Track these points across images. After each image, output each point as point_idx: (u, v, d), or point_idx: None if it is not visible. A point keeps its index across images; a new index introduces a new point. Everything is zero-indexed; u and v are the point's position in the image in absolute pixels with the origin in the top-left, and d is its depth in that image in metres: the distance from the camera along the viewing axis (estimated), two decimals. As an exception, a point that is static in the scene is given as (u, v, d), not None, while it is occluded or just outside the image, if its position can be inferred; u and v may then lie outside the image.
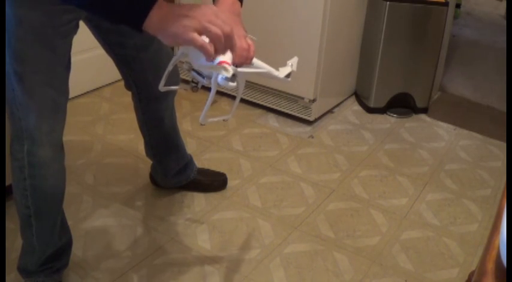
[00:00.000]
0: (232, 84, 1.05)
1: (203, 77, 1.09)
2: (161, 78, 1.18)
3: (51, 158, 1.35)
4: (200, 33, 1.00)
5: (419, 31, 2.55)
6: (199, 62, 1.07)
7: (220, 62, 1.03)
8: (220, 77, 1.03)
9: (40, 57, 1.24)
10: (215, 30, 1.00)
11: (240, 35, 1.13)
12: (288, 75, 1.22)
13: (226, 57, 1.05)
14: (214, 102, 2.60)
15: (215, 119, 1.21)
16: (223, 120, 1.27)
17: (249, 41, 1.13)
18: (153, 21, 0.99)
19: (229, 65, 1.03)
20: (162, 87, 1.16)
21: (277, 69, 1.22)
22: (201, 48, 1.00)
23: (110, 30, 1.45)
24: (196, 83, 1.14)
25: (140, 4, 0.99)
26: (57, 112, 1.32)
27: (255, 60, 1.17)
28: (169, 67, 1.14)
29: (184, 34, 0.98)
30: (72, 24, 1.28)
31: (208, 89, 1.08)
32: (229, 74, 1.03)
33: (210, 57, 1.02)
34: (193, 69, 1.10)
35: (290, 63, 1.25)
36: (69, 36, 1.29)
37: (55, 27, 1.23)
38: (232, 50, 1.06)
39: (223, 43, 1.02)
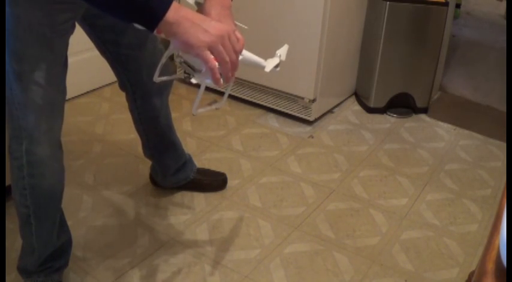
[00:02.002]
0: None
1: (194, 70, 1.12)
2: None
3: (50, 156, 1.35)
4: (210, 50, 1.04)
5: (419, 31, 2.55)
6: (192, 60, 1.10)
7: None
8: (208, 81, 1.09)
9: (38, 56, 1.25)
10: (225, 56, 1.05)
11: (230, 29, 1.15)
12: (276, 66, 1.25)
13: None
14: (213, 101, 2.60)
15: (206, 109, 1.24)
16: (216, 108, 1.30)
17: (238, 35, 1.16)
18: (169, 24, 1.02)
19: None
20: (156, 78, 1.17)
21: (266, 59, 1.24)
22: (211, 70, 1.05)
23: (105, 28, 1.45)
24: (189, 74, 1.16)
25: (157, 5, 1.01)
26: (55, 110, 1.33)
27: (244, 52, 1.19)
28: (163, 59, 1.15)
29: (199, 49, 1.03)
30: (69, 23, 1.29)
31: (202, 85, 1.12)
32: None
33: (217, 82, 1.06)
34: (185, 62, 1.12)
35: (278, 54, 1.27)
36: (66, 35, 1.30)
37: (53, 26, 1.24)
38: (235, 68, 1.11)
39: (228, 69, 1.07)
